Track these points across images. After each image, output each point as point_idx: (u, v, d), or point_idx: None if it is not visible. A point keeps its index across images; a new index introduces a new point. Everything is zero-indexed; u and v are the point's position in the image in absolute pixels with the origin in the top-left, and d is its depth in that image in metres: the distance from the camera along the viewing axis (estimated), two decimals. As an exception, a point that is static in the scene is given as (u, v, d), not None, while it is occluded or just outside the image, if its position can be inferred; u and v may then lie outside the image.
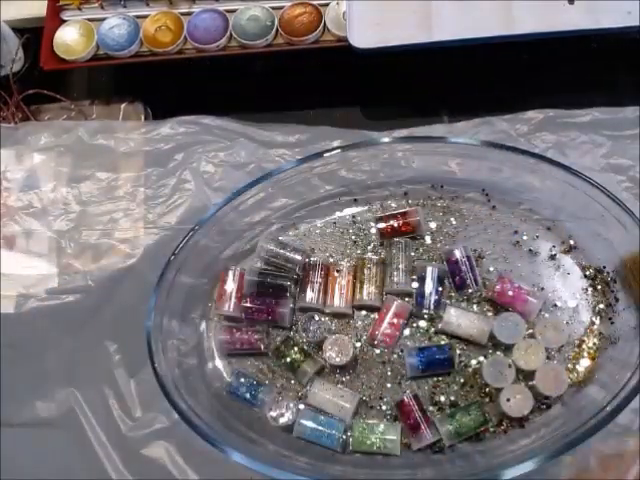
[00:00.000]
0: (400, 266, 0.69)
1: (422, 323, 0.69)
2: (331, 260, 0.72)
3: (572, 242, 0.71)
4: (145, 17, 0.79)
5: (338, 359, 0.66)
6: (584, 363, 0.66)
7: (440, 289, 0.68)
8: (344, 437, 0.64)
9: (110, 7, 0.80)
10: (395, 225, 0.72)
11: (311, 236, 0.74)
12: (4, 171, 0.78)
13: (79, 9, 0.80)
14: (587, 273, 0.69)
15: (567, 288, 0.69)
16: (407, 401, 0.64)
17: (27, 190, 0.77)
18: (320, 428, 0.64)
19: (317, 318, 0.68)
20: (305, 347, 0.68)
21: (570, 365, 0.66)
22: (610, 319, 0.67)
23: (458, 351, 0.67)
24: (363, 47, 0.70)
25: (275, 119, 0.79)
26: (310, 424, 0.64)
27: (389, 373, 0.67)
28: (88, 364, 0.71)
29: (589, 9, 0.69)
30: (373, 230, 0.73)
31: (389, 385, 0.67)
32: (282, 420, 0.64)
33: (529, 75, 0.80)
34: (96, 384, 0.70)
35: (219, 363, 0.70)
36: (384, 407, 0.66)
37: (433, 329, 0.68)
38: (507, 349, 0.66)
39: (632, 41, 0.75)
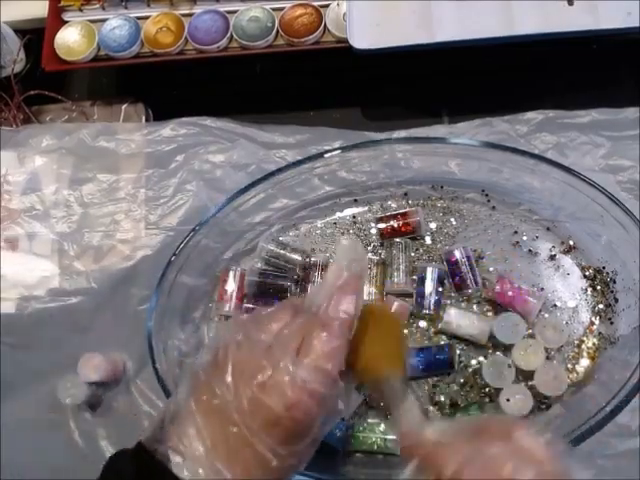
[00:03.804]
0: (400, 266, 0.70)
1: (422, 323, 0.69)
2: (331, 260, 0.72)
3: (572, 242, 0.71)
4: (146, 18, 0.78)
5: None
6: (584, 363, 0.66)
7: (440, 289, 0.69)
8: (345, 436, 0.65)
9: (111, 8, 0.80)
10: (395, 225, 0.72)
11: (311, 237, 0.75)
12: (5, 174, 0.78)
13: (80, 10, 0.80)
14: (587, 273, 0.69)
15: (567, 288, 0.69)
16: (407, 401, 0.65)
17: (29, 193, 0.77)
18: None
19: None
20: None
21: (570, 365, 0.66)
22: (610, 319, 0.67)
23: (458, 351, 0.67)
24: (363, 48, 0.70)
25: (275, 120, 0.79)
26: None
27: (389, 373, 0.67)
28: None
29: (589, 10, 0.69)
30: (373, 230, 0.74)
31: (389, 385, 0.67)
32: None
33: (529, 76, 0.80)
34: (98, 384, 0.70)
35: (220, 363, 0.70)
36: (385, 407, 0.66)
37: (433, 329, 0.69)
38: (507, 349, 0.66)
39: (632, 42, 0.75)
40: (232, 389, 0.43)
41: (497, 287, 0.67)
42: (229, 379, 0.44)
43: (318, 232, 0.75)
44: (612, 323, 0.67)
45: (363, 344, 0.49)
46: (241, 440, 0.42)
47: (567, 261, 0.70)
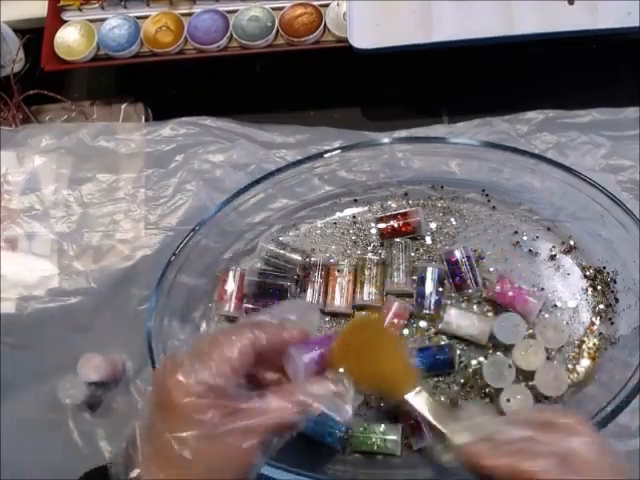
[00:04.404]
0: (400, 266, 0.69)
1: (422, 323, 0.69)
2: (331, 260, 0.72)
3: (572, 242, 0.71)
4: (146, 18, 0.78)
5: None
6: (584, 363, 0.66)
7: (440, 289, 0.69)
8: (345, 436, 0.65)
9: (111, 8, 0.80)
10: (395, 225, 0.72)
11: (311, 236, 0.74)
12: (5, 174, 0.77)
13: (80, 10, 0.80)
14: (587, 273, 0.69)
15: (567, 288, 0.69)
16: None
17: (28, 192, 0.77)
18: (322, 424, 0.64)
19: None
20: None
21: (570, 365, 0.66)
22: (610, 319, 0.67)
23: (458, 351, 0.67)
24: (363, 47, 0.70)
25: (275, 120, 0.79)
26: (312, 419, 0.64)
27: (389, 373, 0.67)
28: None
29: (589, 10, 0.69)
30: (373, 230, 0.73)
31: (389, 385, 0.67)
32: None
33: (529, 76, 0.80)
34: (97, 384, 0.70)
35: (220, 363, 0.70)
36: (385, 407, 0.66)
37: (433, 329, 0.69)
38: (507, 349, 0.66)
39: (632, 42, 0.75)
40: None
41: (497, 287, 0.67)
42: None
43: (318, 232, 0.75)
44: (613, 323, 0.67)
45: (376, 364, 0.50)
46: (163, 440, 0.43)
47: (567, 261, 0.70)
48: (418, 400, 0.50)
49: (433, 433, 0.51)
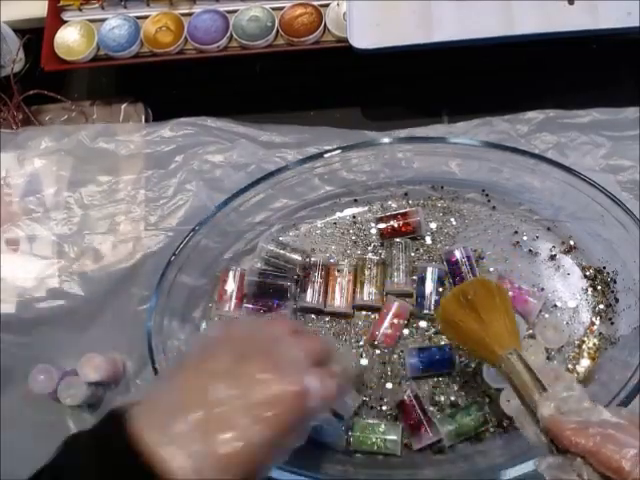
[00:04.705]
0: (400, 266, 0.69)
1: (422, 323, 0.69)
2: (331, 260, 0.72)
3: (572, 242, 0.71)
4: (146, 18, 0.78)
5: None
6: (584, 363, 0.66)
7: (440, 289, 0.69)
8: (345, 436, 0.65)
9: (111, 8, 0.80)
10: (395, 225, 0.72)
11: (311, 236, 0.74)
12: (5, 177, 0.77)
13: (80, 10, 0.80)
14: (587, 273, 0.69)
15: (567, 288, 0.69)
16: (408, 401, 0.65)
17: (29, 195, 0.76)
18: (322, 424, 0.64)
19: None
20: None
21: (570, 365, 0.66)
22: (610, 319, 0.67)
23: (458, 351, 0.67)
24: (363, 47, 0.70)
25: (275, 120, 0.79)
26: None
27: (389, 373, 0.67)
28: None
29: (589, 10, 0.69)
30: (373, 230, 0.74)
31: (389, 385, 0.67)
32: None
33: (529, 76, 0.80)
34: (97, 384, 0.70)
35: (220, 363, 0.70)
36: (385, 407, 0.66)
37: (433, 329, 0.68)
38: (507, 349, 0.66)
39: (632, 42, 0.75)
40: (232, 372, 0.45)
41: (497, 287, 0.67)
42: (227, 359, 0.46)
43: (318, 232, 0.75)
44: (612, 323, 0.67)
45: (489, 321, 0.54)
46: (224, 421, 0.42)
47: (567, 261, 0.70)
48: (514, 360, 0.52)
49: (521, 397, 0.51)
